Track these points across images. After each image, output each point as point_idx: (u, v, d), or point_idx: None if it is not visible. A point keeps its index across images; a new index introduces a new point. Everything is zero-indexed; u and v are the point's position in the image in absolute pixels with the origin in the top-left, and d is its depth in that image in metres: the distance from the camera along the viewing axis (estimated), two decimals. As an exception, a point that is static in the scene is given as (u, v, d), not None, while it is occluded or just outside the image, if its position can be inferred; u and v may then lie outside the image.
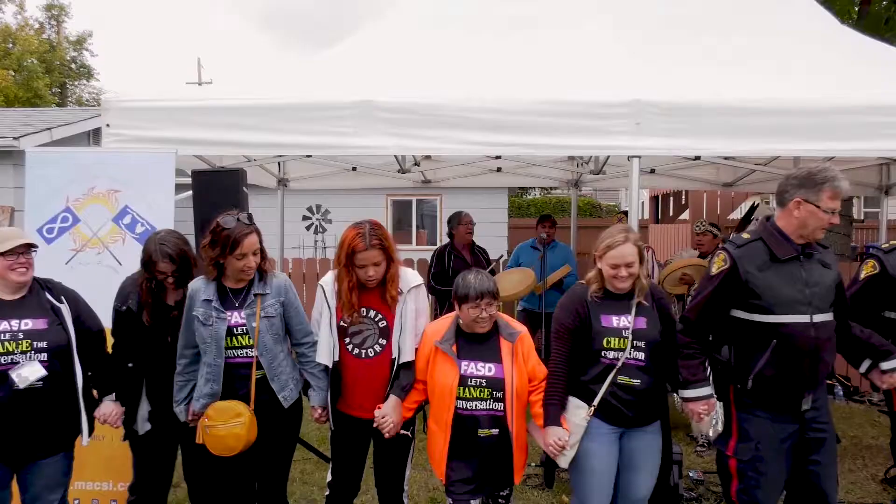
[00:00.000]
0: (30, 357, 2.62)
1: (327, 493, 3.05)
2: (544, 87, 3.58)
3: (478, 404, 2.72)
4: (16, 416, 2.61)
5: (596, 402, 2.70)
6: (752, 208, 5.14)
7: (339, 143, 3.56)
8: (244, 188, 3.83)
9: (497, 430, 2.73)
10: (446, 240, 5.77)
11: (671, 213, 14.58)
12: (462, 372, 2.73)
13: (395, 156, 5.39)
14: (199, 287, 2.83)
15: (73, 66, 27.37)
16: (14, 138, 9.01)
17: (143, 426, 3.01)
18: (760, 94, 3.42)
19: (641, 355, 2.70)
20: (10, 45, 24.52)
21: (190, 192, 3.87)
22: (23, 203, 3.78)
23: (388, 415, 2.76)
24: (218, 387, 2.80)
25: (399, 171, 5.83)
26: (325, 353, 2.87)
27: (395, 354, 2.83)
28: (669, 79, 3.61)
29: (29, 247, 2.71)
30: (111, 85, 32.73)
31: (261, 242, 2.82)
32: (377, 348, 2.86)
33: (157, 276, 2.90)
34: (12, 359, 2.60)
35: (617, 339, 2.69)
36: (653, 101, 3.38)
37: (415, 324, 2.88)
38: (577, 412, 2.74)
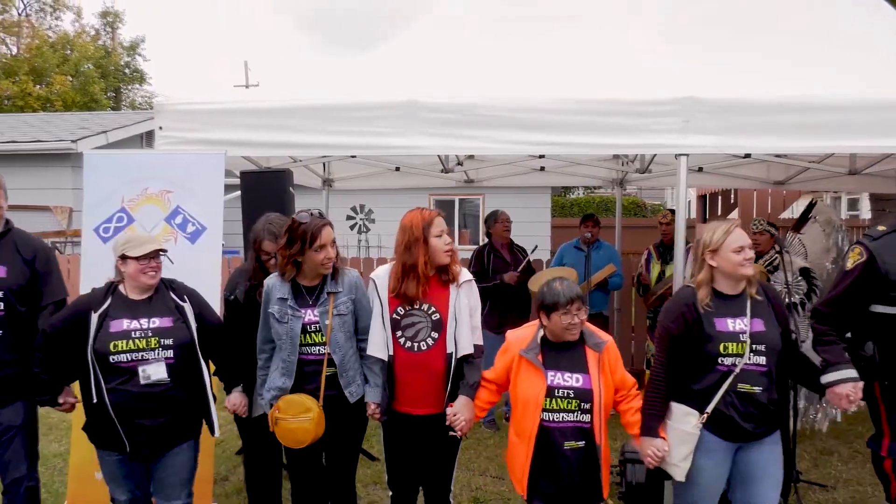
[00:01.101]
0: (157, 354, 2.75)
1: (391, 493, 3.05)
2: (589, 85, 3.54)
3: (565, 416, 2.64)
4: (146, 410, 2.74)
5: (709, 409, 2.58)
6: (811, 205, 4.95)
7: (383, 144, 3.59)
8: (291, 188, 3.90)
9: (583, 443, 2.65)
10: (485, 239, 5.76)
11: (719, 213, 14.23)
12: (549, 382, 2.65)
13: (438, 156, 5.40)
14: (274, 284, 2.87)
15: (126, 70, 28.29)
16: (72, 141, 9.39)
17: (258, 409, 3.12)
18: (814, 89, 3.32)
19: (762, 359, 2.57)
20: (69, 52, 25.49)
21: (238, 193, 3.95)
22: (81, 203, 3.93)
23: (460, 412, 2.75)
24: (290, 381, 2.85)
25: (442, 171, 5.84)
26: (379, 346, 2.87)
27: (450, 349, 2.83)
28: (718, 75, 3.53)
29: (159, 252, 2.84)
30: (163, 88, 33.78)
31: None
32: (429, 342, 2.84)
33: (261, 256, 3.01)
34: (142, 355, 2.73)
35: (734, 343, 2.56)
36: (701, 97, 3.31)
37: (469, 319, 2.88)
38: (687, 419, 2.62)
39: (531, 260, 5.62)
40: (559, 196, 21.88)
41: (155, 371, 2.74)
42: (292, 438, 2.81)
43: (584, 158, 5.84)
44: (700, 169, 5.80)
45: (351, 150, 3.88)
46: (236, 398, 3.10)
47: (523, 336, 2.81)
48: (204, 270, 3.28)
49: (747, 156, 3.81)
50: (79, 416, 3.06)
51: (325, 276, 2.89)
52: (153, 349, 2.75)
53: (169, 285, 2.95)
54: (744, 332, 2.57)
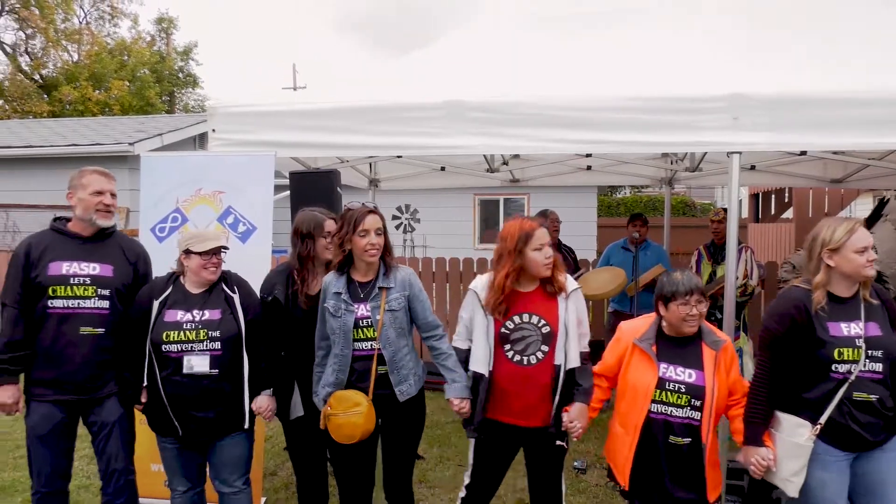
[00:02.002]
0: (205, 346, 2.83)
1: (463, 494, 3.03)
2: (636, 82, 3.49)
3: (674, 410, 2.58)
4: (194, 401, 2.83)
5: (823, 419, 2.45)
6: (882, 202, 4.73)
7: (428, 144, 3.61)
8: (338, 188, 3.95)
9: (689, 440, 2.58)
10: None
11: (772, 212, 13.83)
12: (661, 374, 2.60)
13: (483, 155, 5.40)
14: (331, 280, 2.92)
15: (180, 75, 29.13)
16: (129, 144, 9.71)
17: (295, 412, 3.16)
18: (873, 82, 3.19)
19: (879, 366, 2.44)
20: (126, 58, 26.40)
21: (287, 193, 4.03)
22: (137, 204, 4.06)
23: (577, 419, 2.72)
24: (343, 377, 2.87)
25: (487, 171, 5.84)
26: (482, 361, 2.82)
27: (558, 361, 2.77)
28: (769, 70, 3.43)
29: (221, 249, 2.93)
30: (214, 92, 34.65)
31: (385, 233, 2.87)
32: (539, 355, 2.78)
33: (324, 238, 3.08)
34: (191, 346, 2.82)
35: (850, 349, 2.42)
36: (752, 93, 3.22)
37: (577, 330, 2.83)
38: (799, 431, 2.49)
39: (578, 259, 5.57)
40: (605, 195, 21.60)
41: (198, 362, 2.82)
42: (342, 434, 2.82)
43: (631, 157, 5.77)
44: (752, 167, 5.66)
45: (397, 151, 3.91)
46: (263, 401, 3.05)
47: (638, 326, 2.76)
48: (254, 269, 3.33)
49: (802, 153, 3.70)
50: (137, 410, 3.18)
51: (378, 271, 2.90)
52: (201, 341, 2.83)
53: (222, 277, 3.03)
54: (859, 337, 2.44)
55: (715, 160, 5.47)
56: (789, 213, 12.81)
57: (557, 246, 5.55)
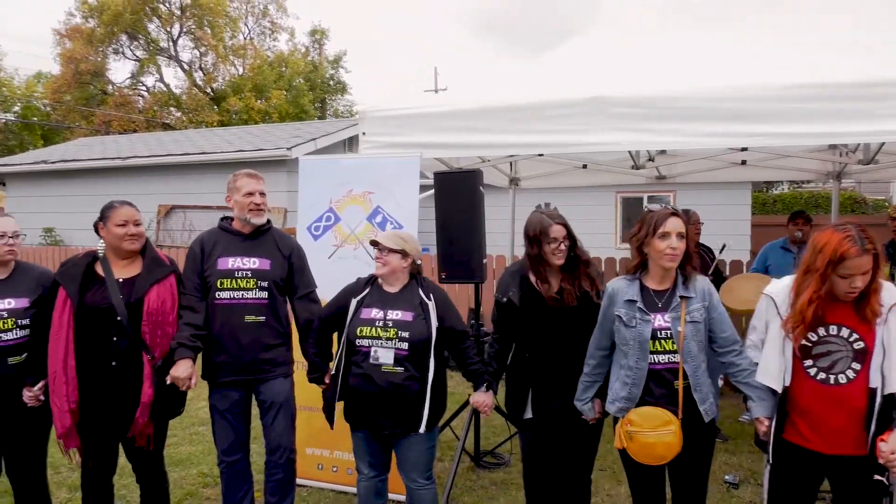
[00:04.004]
0: (393, 343, 2.97)
1: None
2: (798, 69, 3.22)
3: None
4: (378, 395, 2.97)
5: None
6: None
7: (571, 141, 3.55)
8: (481, 188, 4.00)
9: None
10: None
11: (965, 209, 12.19)
12: None
13: (629, 152, 5.24)
14: (621, 287, 2.76)
15: (331, 82, 30.91)
16: (287, 148, 10.44)
17: (526, 413, 3.15)
18: None
19: None
20: (283, 69, 28.45)
21: (432, 192, 4.14)
22: (294, 205, 4.36)
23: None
24: (638, 391, 2.67)
25: (632, 168, 5.65)
26: (774, 375, 2.54)
27: (873, 384, 2.40)
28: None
29: (385, 246, 3.04)
30: (360, 97, 36.40)
31: (687, 239, 2.67)
32: (850, 374, 2.42)
33: (550, 244, 2.92)
34: (381, 343, 2.98)
35: None
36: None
37: None
38: None
39: (720, 261, 5.22)
40: (760, 191, 20.10)
41: (384, 354, 2.94)
42: (654, 454, 2.63)
43: (793, 150, 5.32)
44: (940, 158, 5.02)
45: (539, 149, 3.89)
46: (479, 396, 3.10)
47: None
48: (400, 266, 3.48)
49: None
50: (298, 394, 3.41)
51: (676, 280, 2.71)
52: (391, 339, 2.96)
53: (419, 281, 3.15)
54: None
55: (893, 151, 4.91)
56: None
57: (696, 247, 5.26)
